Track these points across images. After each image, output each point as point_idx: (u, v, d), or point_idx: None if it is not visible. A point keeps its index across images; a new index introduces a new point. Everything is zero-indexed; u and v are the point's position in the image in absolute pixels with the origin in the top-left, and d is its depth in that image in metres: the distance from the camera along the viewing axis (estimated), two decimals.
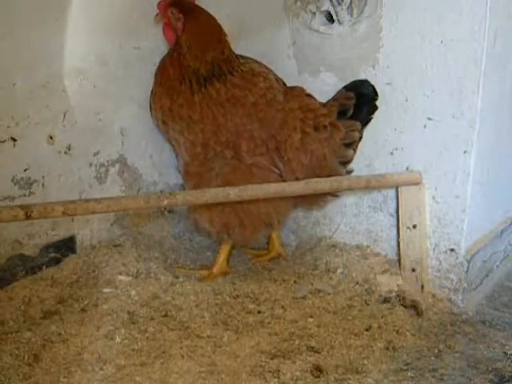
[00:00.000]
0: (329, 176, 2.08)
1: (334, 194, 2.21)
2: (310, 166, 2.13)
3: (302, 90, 2.23)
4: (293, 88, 2.25)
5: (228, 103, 2.13)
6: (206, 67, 2.14)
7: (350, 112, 2.12)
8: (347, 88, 2.14)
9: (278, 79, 2.26)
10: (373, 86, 2.11)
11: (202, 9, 2.22)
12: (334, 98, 2.16)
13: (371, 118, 2.15)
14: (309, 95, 2.21)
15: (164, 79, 2.19)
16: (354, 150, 2.16)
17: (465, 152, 2.00)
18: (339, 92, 2.16)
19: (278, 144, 2.13)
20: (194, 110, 2.13)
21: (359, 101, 2.11)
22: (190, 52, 2.15)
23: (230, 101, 2.13)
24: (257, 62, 2.27)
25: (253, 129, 2.13)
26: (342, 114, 2.12)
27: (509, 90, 2.17)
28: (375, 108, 2.14)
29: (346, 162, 2.17)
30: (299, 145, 2.12)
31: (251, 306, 2.03)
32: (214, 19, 2.20)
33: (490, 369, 1.73)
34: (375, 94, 2.12)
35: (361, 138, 2.15)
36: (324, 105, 2.16)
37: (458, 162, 2.02)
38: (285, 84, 2.28)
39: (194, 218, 2.27)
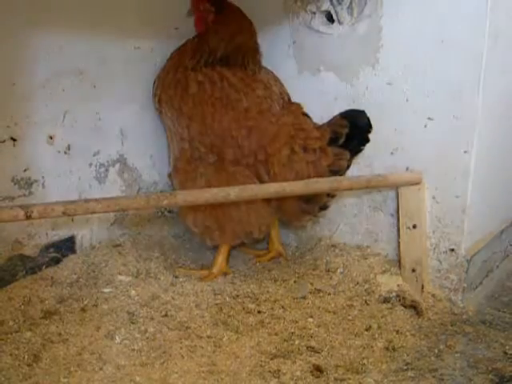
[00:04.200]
0: (311, 198, 2.07)
1: (314, 214, 2.19)
2: None
3: (299, 107, 2.22)
4: (291, 104, 2.24)
5: (219, 102, 2.11)
6: (231, 48, 2.19)
7: (342, 140, 2.08)
8: (343, 115, 2.10)
9: (283, 93, 2.25)
10: (368, 118, 2.08)
11: (233, 4, 2.28)
12: (328, 123, 2.12)
13: (362, 149, 2.13)
14: (305, 114, 2.19)
15: (178, 55, 2.24)
16: None
17: (465, 152, 2.00)
18: (334, 118, 2.12)
19: (267, 156, 2.10)
20: (186, 103, 2.13)
21: (352, 131, 2.07)
22: (216, 36, 2.20)
23: (222, 100, 2.11)
24: (268, 72, 2.28)
25: (239, 136, 2.10)
26: (333, 140, 2.08)
27: (509, 89, 2.17)
28: (367, 140, 2.11)
29: None
30: (286, 161, 2.09)
31: (251, 306, 2.03)
32: (244, 14, 2.27)
33: (490, 369, 1.73)
34: (369, 127, 2.09)
35: (349, 166, 2.13)
36: (318, 127, 2.12)
37: (458, 162, 2.02)
38: (289, 99, 2.27)
39: (182, 218, 2.28)
